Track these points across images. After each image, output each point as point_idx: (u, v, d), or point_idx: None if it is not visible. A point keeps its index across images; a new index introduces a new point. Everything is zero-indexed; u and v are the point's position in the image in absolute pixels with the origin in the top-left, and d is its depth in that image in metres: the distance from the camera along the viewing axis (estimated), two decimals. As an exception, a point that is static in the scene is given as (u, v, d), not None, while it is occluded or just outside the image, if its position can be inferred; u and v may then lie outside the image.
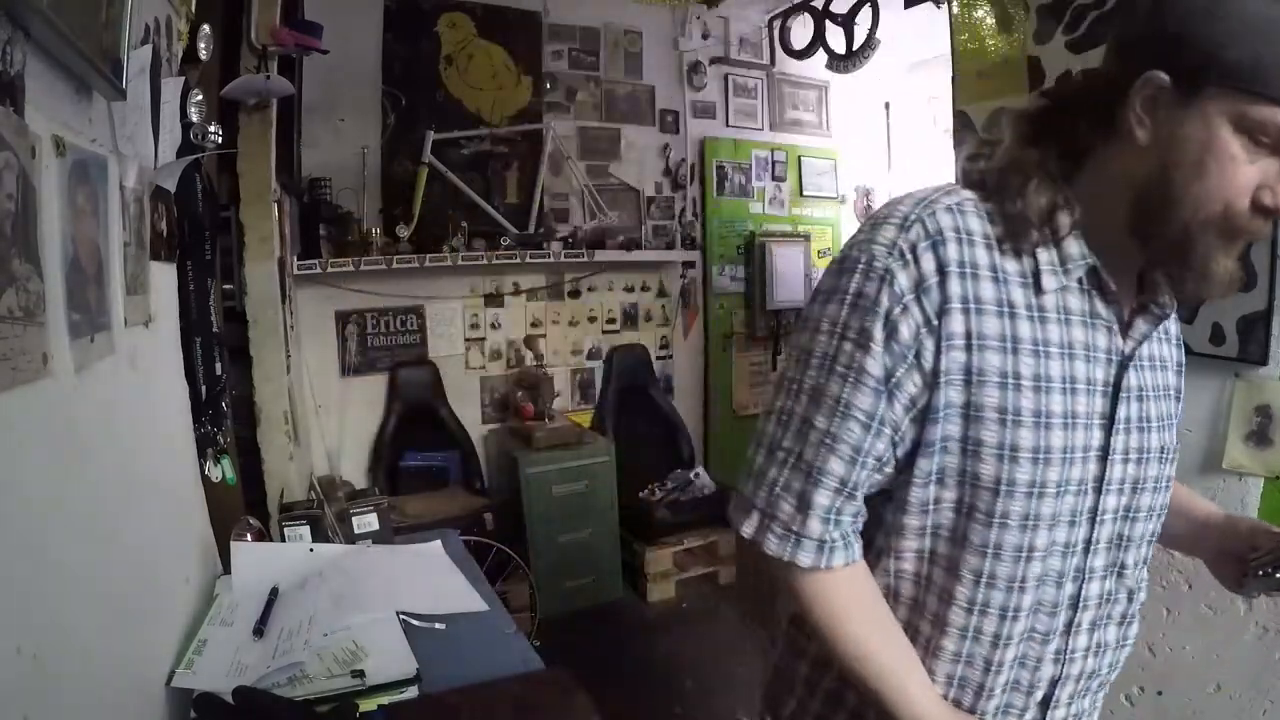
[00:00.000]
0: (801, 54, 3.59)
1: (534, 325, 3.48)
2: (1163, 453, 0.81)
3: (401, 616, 1.19)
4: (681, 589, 3.28)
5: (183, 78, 1.29)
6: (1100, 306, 0.75)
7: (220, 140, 1.41)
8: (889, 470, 0.74)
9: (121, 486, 0.95)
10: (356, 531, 1.54)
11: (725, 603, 3.21)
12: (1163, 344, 0.83)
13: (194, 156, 1.35)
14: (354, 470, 3.07)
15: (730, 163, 3.97)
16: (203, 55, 1.45)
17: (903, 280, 0.70)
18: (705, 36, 3.84)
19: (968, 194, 0.74)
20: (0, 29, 0.65)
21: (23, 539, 0.66)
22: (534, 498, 2.96)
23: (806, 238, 4.14)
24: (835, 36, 3.42)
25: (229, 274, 2.16)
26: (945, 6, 1.88)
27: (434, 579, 1.38)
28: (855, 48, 3.35)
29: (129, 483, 0.99)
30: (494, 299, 3.38)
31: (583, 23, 3.53)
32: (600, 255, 3.40)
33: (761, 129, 4.09)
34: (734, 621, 3.06)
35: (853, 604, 0.75)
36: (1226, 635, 1.47)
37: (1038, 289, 0.72)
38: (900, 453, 0.73)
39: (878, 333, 0.70)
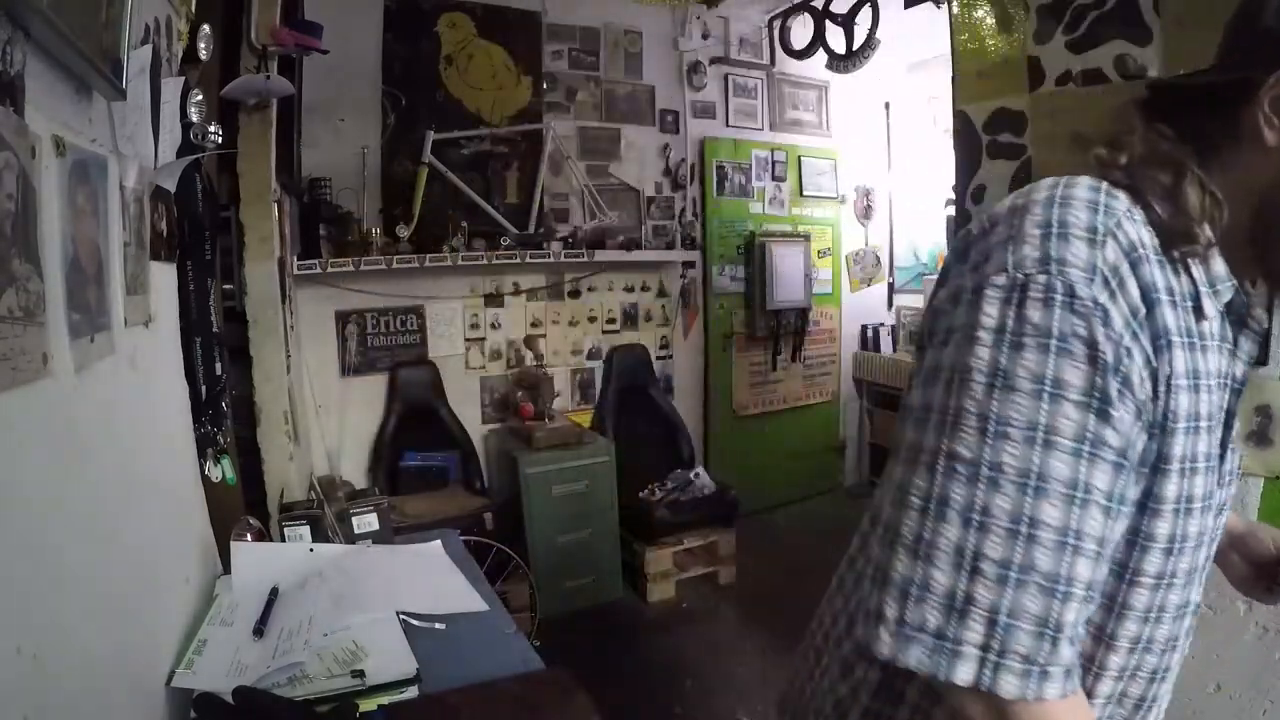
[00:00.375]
0: (801, 54, 3.60)
1: (534, 325, 3.48)
2: (1232, 474, 0.73)
3: (401, 617, 1.19)
4: (681, 589, 3.28)
5: (183, 78, 1.29)
6: (1235, 328, 0.66)
7: (220, 140, 1.41)
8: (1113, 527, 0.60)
9: (121, 486, 0.95)
10: (357, 531, 1.54)
11: (725, 603, 3.21)
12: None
13: (194, 156, 1.35)
14: (354, 470, 3.06)
15: (730, 163, 3.97)
16: (203, 55, 1.45)
17: (1116, 317, 0.56)
18: (705, 36, 3.84)
19: (1121, 195, 0.61)
20: (0, 29, 0.65)
21: (23, 539, 0.66)
22: (534, 498, 2.96)
23: (806, 238, 4.14)
24: (835, 36, 3.42)
25: (229, 274, 2.16)
26: (945, 6, 1.88)
27: (434, 579, 1.38)
28: (855, 48, 3.35)
29: (129, 483, 0.99)
30: (494, 299, 3.38)
31: (583, 23, 3.53)
32: (600, 255, 3.40)
33: (761, 129, 4.09)
34: (734, 621, 3.06)
35: None
36: (1226, 635, 1.47)
37: (1198, 309, 0.61)
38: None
39: (1112, 390, 0.55)
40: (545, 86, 3.43)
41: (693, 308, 3.94)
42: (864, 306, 4.49)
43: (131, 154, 1.04)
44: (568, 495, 3.02)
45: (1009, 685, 0.55)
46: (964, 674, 0.56)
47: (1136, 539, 0.61)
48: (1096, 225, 0.57)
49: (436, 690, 1.01)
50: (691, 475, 3.38)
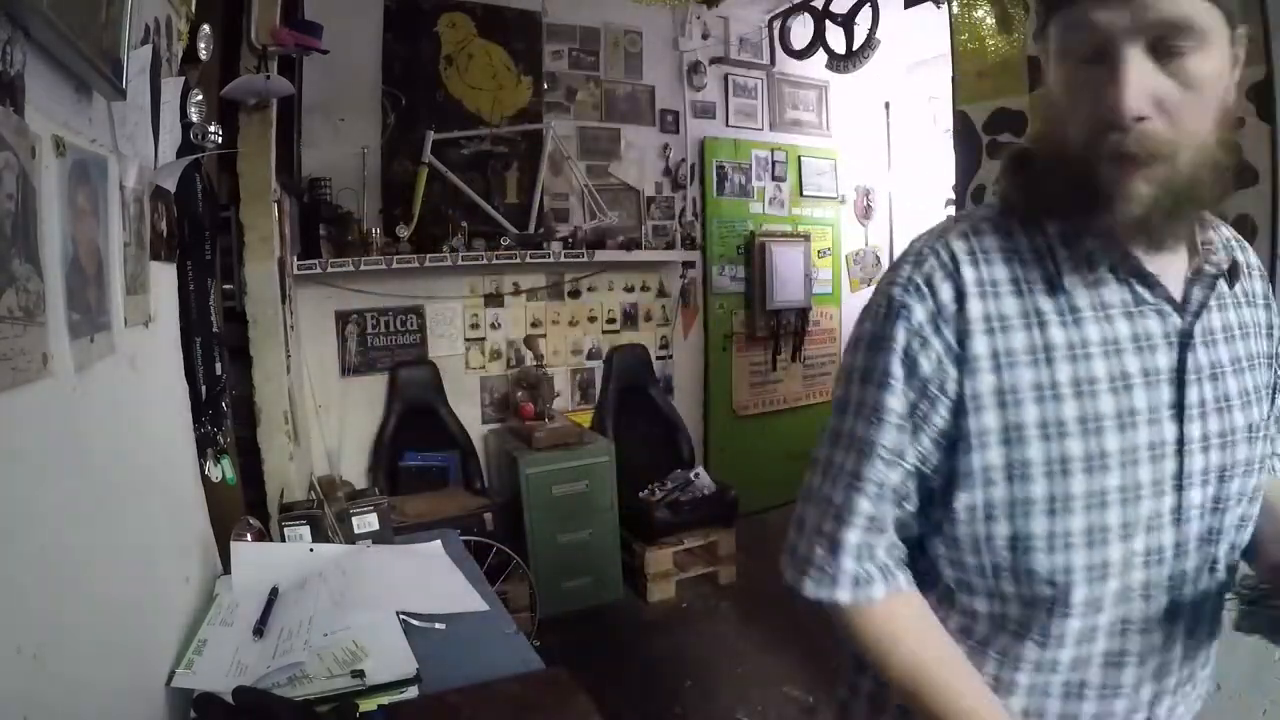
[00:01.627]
0: (801, 54, 3.60)
1: (534, 325, 3.48)
2: (1251, 431, 0.73)
3: (401, 617, 1.19)
4: (681, 589, 3.28)
5: (183, 78, 1.29)
6: (1144, 291, 0.69)
7: (220, 140, 1.41)
8: (912, 504, 0.73)
9: (122, 486, 0.95)
10: (357, 531, 1.54)
11: (725, 603, 3.21)
12: (1239, 309, 0.75)
13: (194, 156, 1.35)
14: (354, 470, 3.06)
15: (730, 163, 3.97)
16: (203, 55, 1.45)
17: (919, 314, 0.69)
18: (705, 36, 3.84)
19: (986, 212, 0.74)
20: (0, 29, 0.65)
21: (23, 539, 0.66)
22: (534, 498, 2.96)
23: (806, 238, 4.14)
24: (835, 36, 3.42)
25: (229, 274, 2.16)
26: (945, 6, 1.88)
27: (434, 579, 1.38)
28: (855, 48, 3.35)
29: (129, 483, 0.99)
30: (494, 299, 3.38)
31: (583, 23, 3.53)
32: (600, 255, 3.40)
33: (761, 129, 4.09)
34: (734, 621, 3.06)
35: (900, 630, 0.72)
36: (1226, 635, 1.47)
37: (1051, 289, 0.69)
38: (935, 485, 0.72)
39: (896, 369, 0.69)
40: (545, 86, 3.43)
41: (692, 308, 3.94)
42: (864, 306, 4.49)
43: (131, 154, 1.04)
44: (568, 495, 3.02)
45: (808, 587, 0.73)
46: (787, 575, 0.76)
47: (1053, 505, 0.68)
48: (923, 248, 0.72)
49: (436, 690, 1.01)
50: (691, 475, 3.38)
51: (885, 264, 4.57)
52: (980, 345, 0.68)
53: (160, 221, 1.25)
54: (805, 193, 4.25)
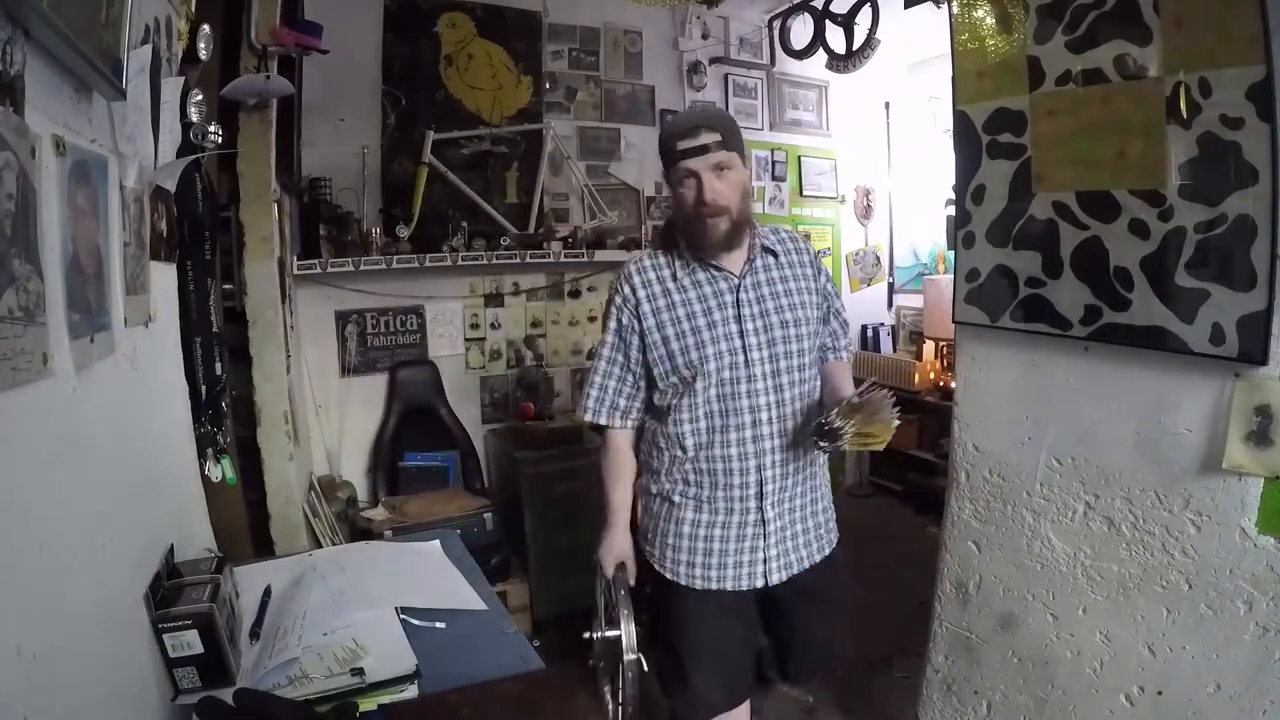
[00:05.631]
0: (801, 54, 3.59)
1: (534, 325, 3.48)
2: (786, 323, 1.52)
3: (402, 616, 1.19)
4: (681, 589, 3.27)
5: (183, 78, 1.29)
6: (716, 273, 1.53)
7: (220, 140, 1.41)
8: (635, 375, 1.58)
9: (121, 486, 0.96)
10: (172, 655, 0.97)
11: (725, 603, 3.20)
12: (781, 269, 1.57)
13: (194, 156, 1.35)
14: (354, 470, 3.06)
15: (730, 163, 3.96)
16: (203, 55, 1.45)
17: (624, 293, 1.56)
18: (705, 36, 3.84)
19: (651, 249, 1.64)
20: (0, 29, 0.65)
21: (23, 539, 0.66)
22: (534, 498, 2.96)
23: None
24: (835, 36, 3.42)
25: (229, 274, 2.16)
26: (945, 6, 1.88)
27: (433, 576, 1.38)
28: (855, 48, 3.35)
29: (129, 482, 0.99)
30: (494, 299, 3.38)
31: (583, 23, 3.53)
32: (600, 255, 3.40)
33: (761, 129, 4.09)
34: (734, 621, 3.05)
35: (611, 446, 1.64)
36: (1226, 635, 1.47)
37: (675, 278, 1.54)
38: (640, 369, 1.57)
39: (613, 318, 1.58)
40: (545, 86, 3.42)
41: (693, 308, 3.93)
42: (864, 306, 4.48)
43: (131, 154, 1.04)
44: (568, 495, 3.01)
45: (580, 415, 1.64)
46: (581, 414, 1.64)
47: (683, 352, 1.52)
48: (627, 264, 1.60)
49: (436, 690, 1.01)
50: (691, 475, 3.37)
51: (885, 264, 4.58)
52: (645, 306, 1.53)
53: (160, 221, 1.25)
54: (805, 192, 4.25)
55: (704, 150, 1.42)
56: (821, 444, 1.41)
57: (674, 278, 1.53)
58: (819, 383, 1.60)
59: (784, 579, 1.56)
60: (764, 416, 1.49)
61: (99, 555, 0.84)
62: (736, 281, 1.51)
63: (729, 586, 1.54)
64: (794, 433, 1.52)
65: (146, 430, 1.12)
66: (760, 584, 1.55)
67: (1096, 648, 1.67)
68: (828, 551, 1.64)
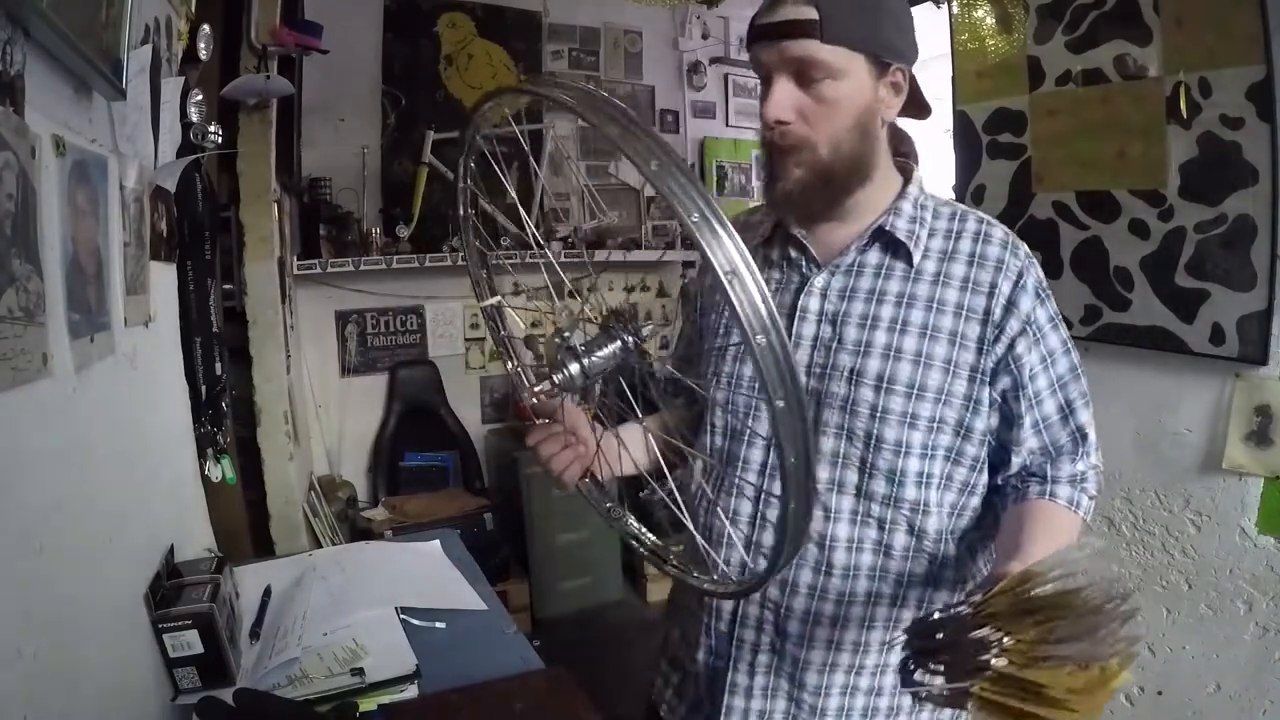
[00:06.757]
0: (801, 54, 3.59)
1: (534, 325, 3.48)
2: (880, 380, 0.86)
3: (402, 616, 1.19)
4: (681, 589, 3.27)
5: (183, 78, 1.29)
6: (791, 254, 0.96)
7: (220, 140, 1.41)
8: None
9: (121, 486, 0.95)
10: (172, 655, 0.97)
11: (725, 603, 3.21)
12: (913, 280, 0.89)
13: (194, 156, 1.35)
14: (354, 470, 3.06)
15: (730, 163, 3.97)
16: (203, 55, 1.45)
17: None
18: (705, 36, 3.84)
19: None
20: (0, 29, 0.65)
21: (23, 539, 0.66)
22: (534, 498, 2.96)
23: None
24: (835, 36, 3.42)
25: (229, 274, 2.16)
26: (945, 6, 1.88)
27: (433, 576, 1.38)
28: (855, 48, 3.35)
29: (129, 483, 0.99)
30: (494, 299, 3.38)
31: (582, 23, 3.53)
32: (600, 255, 3.40)
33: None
34: (734, 621, 3.05)
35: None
36: (1226, 635, 1.47)
37: (758, 248, 0.98)
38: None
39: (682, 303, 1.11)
40: (545, 86, 3.42)
41: (693, 308, 3.94)
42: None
43: (131, 154, 1.04)
44: (567, 495, 3.01)
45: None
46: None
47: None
48: (740, 217, 1.07)
49: (436, 690, 1.01)
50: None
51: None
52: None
53: (160, 221, 1.25)
54: (805, 193, 4.24)
55: (780, 32, 0.82)
56: (912, 669, 0.59)
57: (760, 245, 0.97)
58: (955, 513, 0.89)
59: None
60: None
61: (99, 555, 0.84)
62: (810, 274, 0.92)
63: None
64: (846, 586, 0.87)
65: (146, 430, 1.12)
66: None
67: (1096, 648, 1.67)
68: None
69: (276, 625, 1.15)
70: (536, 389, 0.80)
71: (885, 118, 0.92)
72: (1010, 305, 0.86)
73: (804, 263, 0.93)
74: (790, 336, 0.85)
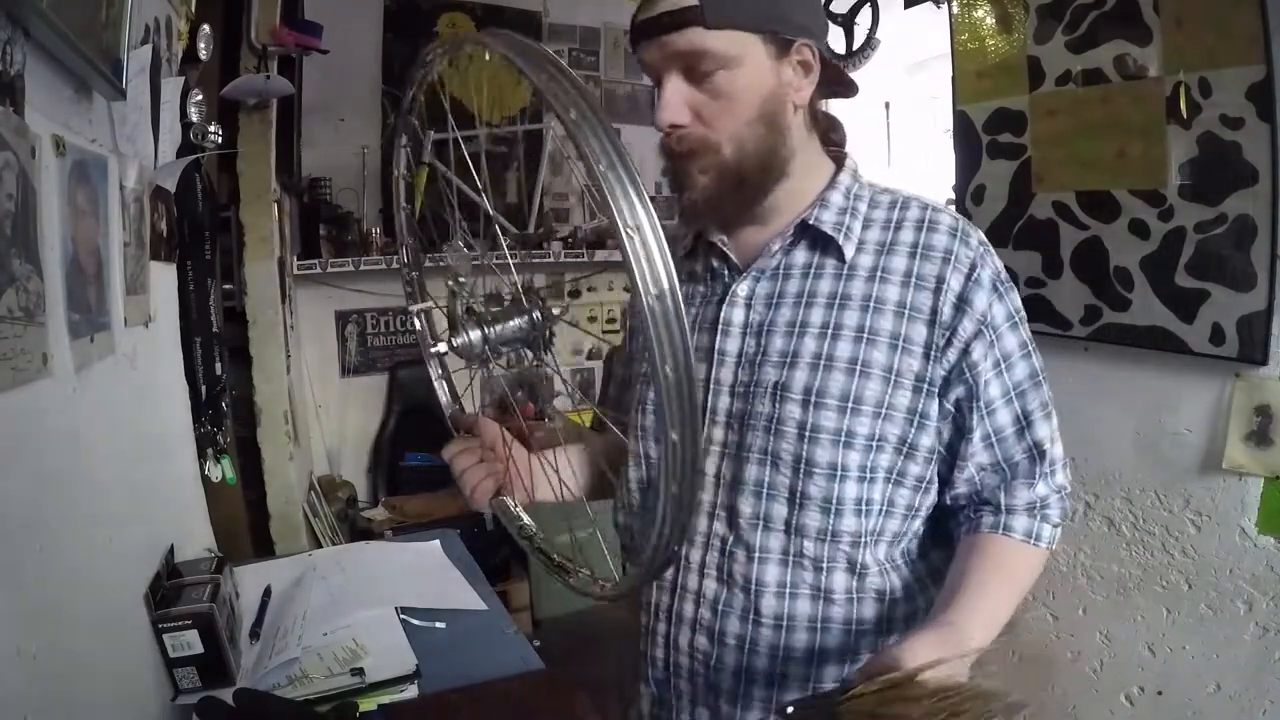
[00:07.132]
0: (801, 54, 3.58)
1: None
2: (808, 394, 0.75)
3: (402, 616, 1.19)
4: (681, 589, 3.27)
5: (183, 78, 1.29)
6: (712, 262, 0.89)
7: (220, 140, 1.41)
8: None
9: (122, 486, 0.95)
10: (172, 655, 0.97)
11: (725, 603, 3.20)
12: (845, 278, 0.79)
13: (194, 156, 1.35)
14: (354, 470, 3.06)
15: (730, 163, 3.96)
16: (203, 55, 1.45)
17: None
18: (705, 36, 3.84)
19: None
20: (0, 29, 0.65)
21: (23, 539, 0.66)
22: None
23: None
24: (835, 37, 3.42)
25: (229, 274, 2.16)
26: (945, 6, 1.88)
27: (432, 576, 1.38)
28: (855, 48, 3.35)
29: (129, 483, 0.99)
30: (494, 299, 3.38)
31: (583, 23, 3.53)
32: (600, 255, 3.40)
33: (761, 129, 4.08)
34: (734, 621, 3.05)
35: None
36: (1226, 635, 1.47)
37: (681, 259, 0.92)
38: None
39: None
40: (545, 86, 3.42)
41: (693, 308, 3.93)
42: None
43: (131, 154, 1.04)
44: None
45: None
46: None
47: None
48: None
49: (436, 690, 1.01)
50: (691, 475, 3.37)
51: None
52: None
53: (160, 221, 1.25)
54: (805, 193, 4.24)
55: (660, 26, 0.74)
56: None
57: (684, 258, 0.91)
58: (897, 540, 0.80)
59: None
60: (697, 524, 0.86)
61: (99, 555, 0.84)
62: (731, 284, 0.84)
63: None
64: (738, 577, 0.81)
65: (146, 430, 1.12)
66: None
67: (1096, 648, 1.67)
68: None
69: (276, 625, 1.15)
70: (434, 349, 0.78)
71: (796, 102, 0.80)
72: (962, 303, 0.76)
73: (726, 271, 0.84)
74: (714, 355, 0.82)
